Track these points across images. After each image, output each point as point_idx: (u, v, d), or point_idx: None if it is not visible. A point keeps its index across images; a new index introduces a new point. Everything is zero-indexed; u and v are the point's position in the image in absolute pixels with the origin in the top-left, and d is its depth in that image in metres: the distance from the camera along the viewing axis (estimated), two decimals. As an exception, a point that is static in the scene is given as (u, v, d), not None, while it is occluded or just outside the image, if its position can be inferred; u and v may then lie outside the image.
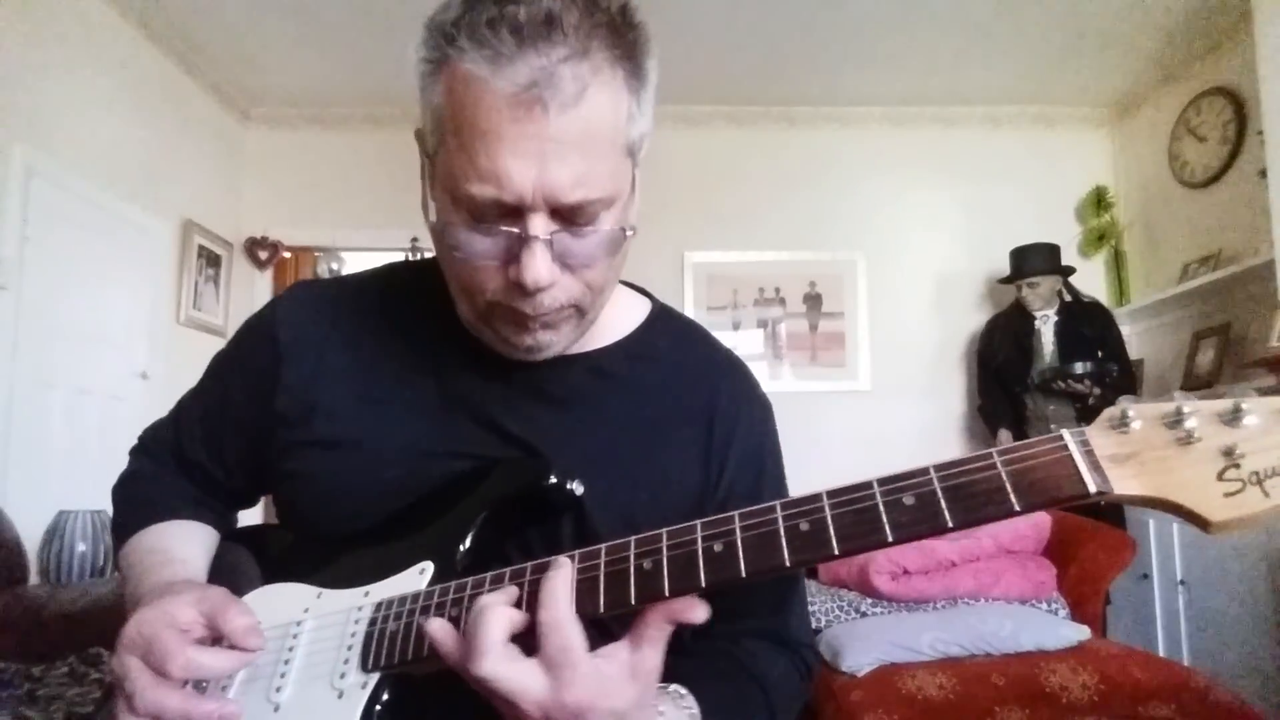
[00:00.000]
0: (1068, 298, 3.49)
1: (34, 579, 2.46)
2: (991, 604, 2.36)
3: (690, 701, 0.58)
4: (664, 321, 0.77)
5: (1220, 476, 0.39)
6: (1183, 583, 2.95)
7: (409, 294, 0.74)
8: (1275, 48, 2.66)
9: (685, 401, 0.72)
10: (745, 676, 0.65)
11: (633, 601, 0.50)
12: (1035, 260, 3.44)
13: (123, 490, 0.80)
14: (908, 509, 0.45)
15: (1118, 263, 3.85)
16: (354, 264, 5.43)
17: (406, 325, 0.72)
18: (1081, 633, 2.13)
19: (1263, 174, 2.76)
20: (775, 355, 3.96)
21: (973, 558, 2.45)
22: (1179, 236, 3.57)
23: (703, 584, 0.49)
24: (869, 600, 2.44)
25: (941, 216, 4.01)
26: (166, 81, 3.46)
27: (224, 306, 3.84)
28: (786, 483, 0.77)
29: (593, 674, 0.49)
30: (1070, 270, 3.49)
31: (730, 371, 0.76)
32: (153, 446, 0.81)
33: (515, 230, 0.56)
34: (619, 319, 0.73)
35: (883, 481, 0.46)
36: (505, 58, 0.52)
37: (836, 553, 0.46)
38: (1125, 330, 3.61)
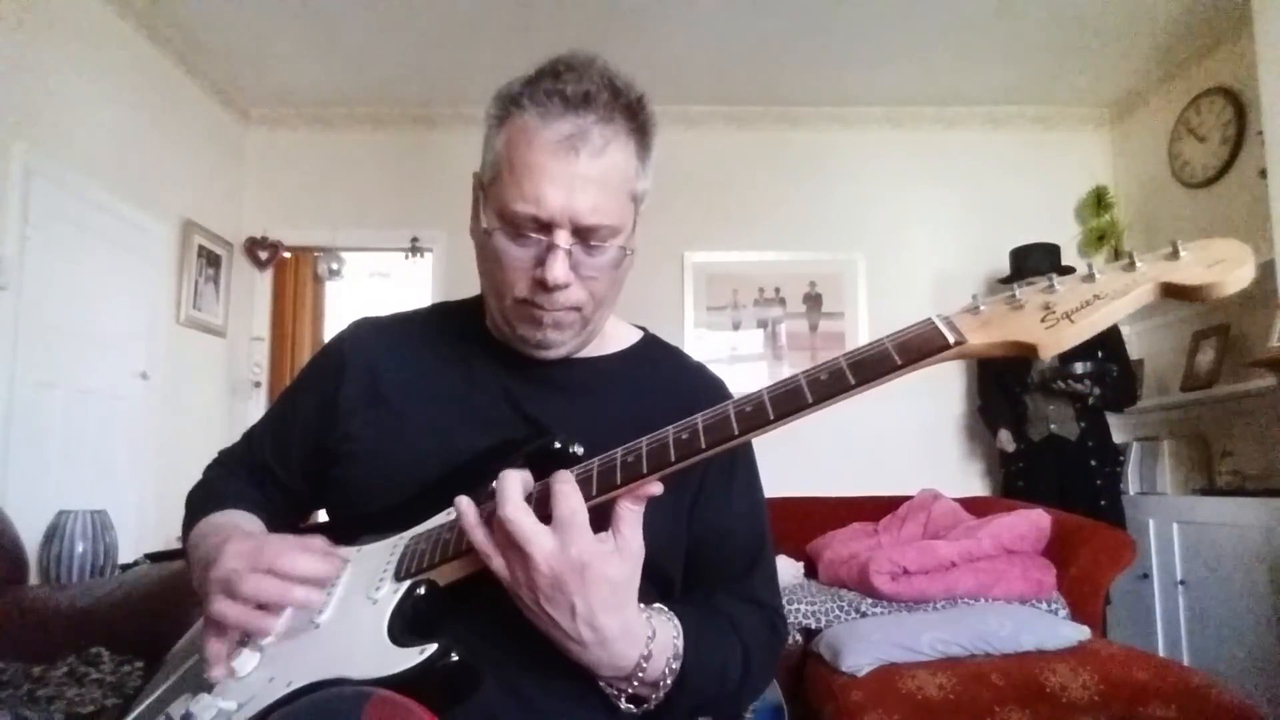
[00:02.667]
0: (1068, 298, 3.49)
1: (34, 579, 2.47)
2: (991, 604, 2.36)
3: (672, 615, 0.71)
4: (655, 343, 0.96)
5: (1042, 320, 0.55)
6: (1183, 583, 2.95)
7: (450, 320, 0.93)
8: (1275, 48, 2.66)
9: (671, 398, 0.85)
10: (720, 616, 0.77)
11: (618, 483, 0.63)
12: (1035, 260, 3.44)
13: (195, 494, 0.93)
14: (822, 381, 0.59)
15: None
16: (354, 264, 5.43)
17: (447, 340, 0.90)
18: (1081, 633, 2.13)
19: (1263, 174, 2.76)
20: (775, 355, 3.96)
21: (973, 558, 2.45)
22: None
23: (672, 459, 0.61)
24: (869, 600, 2.44)
25: (941, 216, 4.01)
26: (166, 81, 3.46)
27: (224, 306, 3.84)
28: (758, 469, 0.90)
29: (593, 540, 0.62)
30: (1070, 270, 3.49)
31: (709, 382, 0.92)
32: (225, 459, 0.97)
33: (545, 239, 0.74)
34: (619, 337, 0.92)
35: (805, 370, 0.61)
36: (554, 115, 0.72)
37: (772, 418, 0.60)
38: (1125, 330, 3.61)
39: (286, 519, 0.94)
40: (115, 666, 1.87)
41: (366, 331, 0.93)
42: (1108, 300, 0.54)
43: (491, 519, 0.64)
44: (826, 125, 4.06)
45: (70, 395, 2.86)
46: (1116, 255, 3.85)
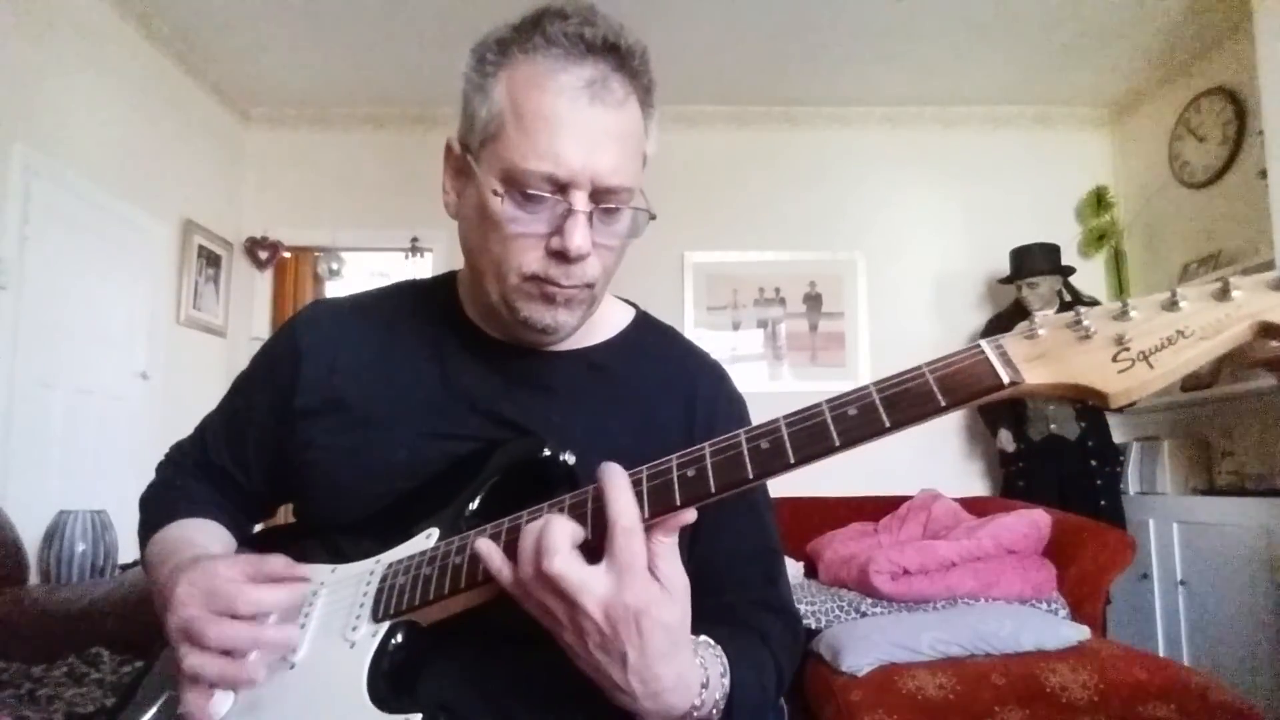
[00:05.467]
0: (1068, 298, 3.49)
1: (34, 579, 2.46)
2: (991, 604, 2.37)
3: (719, 651, 0.65)
4: (648, 325, 0.86)
5: (1114, 359, 0.47)
6: (1183, 583, 2.95)
7: (417, 303, 0.83)
8: (1275, 48, 2.66)
9: (668, 391, 0.80)
10: (754, 635, 0.72)
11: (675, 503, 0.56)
12: (1035, 260, 3.44)
13: (149, 497, 0.86)
14: (852, 418, 0.52)
15: (1118, 263, 3.85)
16: (354, 264, 5.45)
17: (414, 329, 0.81)
18: (1081, 633, 2.13)
19: (1263, 174, 2.76)
20: (775, 355, 3.96)
21: (973, 558, 2.45)
22: (1179, 236, 3.57)
23: (678, 503, 0.55)
24: (869, 600, 2.44)
25: (941, 216, 4.01)
26: (166, 81, 3.46)
27: (224, 306, 3.84)
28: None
29: (650, 582, 0.54)
30: (1070, 270, 3.50)
31: (708, 369, 0.84)
32: (178, 457, 0.89)
33: (564, 203, 0.65)
34: (608, 321, 0.82)
35: (830, 401, 0.53)
36: (575, 59, 0.65)
37: (792, 462, 0.53)
38: (1125, 330, 3.61)
39: (249, 517, 0.88)
40: (115, 666, 1.87)
41: (322, 318, 0.83)
42: (1195, 340, 0.45)
43: (512, 548, 0.57)
44: (826, 125, 4.06)
45: (70, 395, 2.86)
46: (1117, 256, 3.85)
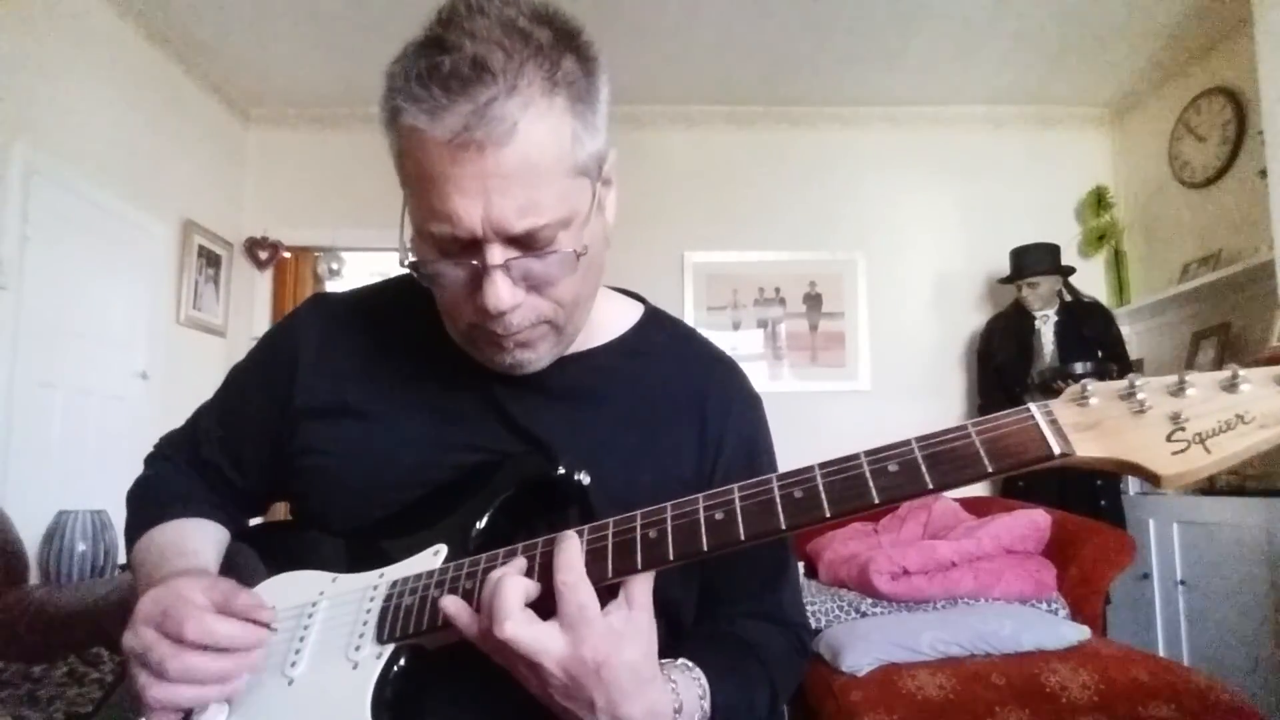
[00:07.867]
0: (1068, 297, 3.49)
1: (34, 579, 2.46)
2: (991, 604, 2.36)
3: (698, 673, 0.62)
4: (657, 322, 0.82)
5: (1169, 438, 0.45)
6: (1183, 583, 2.95)
7: (422, 300, 0.76)
8: (1275, 48, 2.66)
9: (680, 394, 0.76)
10: (745, 650, 0.69)
11: (639, 566, 0.55)
12: (1035, 260, 3.44)
13: (137, 493, 0.83)
14: (892, 474, 0.50)
15: (1118, 263, 3.85)
16: (354, 264, 5.43)
17: (419, 328, 0.76)
18: (1081, 633, 2.13)
19: (1263, 174, 2.76)
20: (775, 355, 3.96)
21: (973, 558, 2.45)
22: (1179, 236, 3.57)
23: (705, 548, 0.53)
24: (869, 600, 2.44)
25: (941, 216, 4.01)
26: (166, 81, 3.46)
27: (224, 306, 3.84)
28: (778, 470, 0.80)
29: (606, 630, 0.53)
30: (1070, 270, 3.49)
31: (721, 367, 0.81)
32: (169, 451, 0.85)
33: (475, 262, 0.60)
34: (613, 321, 0.78)
35: (869, 453, 0.52)
36: (440, 108, 0.55)
37: (828, 515, 0.51)
38: (1125, 330, 3.61)
39: (244, 513, 0.85)
40: (115, 666, 1.87)
41: (323, 314, 0.79)
42: (1255, 427, 0.43)
43: (483, 608, 0.56)
44: (827, 125, 4.06)
45: (70, 395, 2.86)
46: (1117, 256, 3.85)
